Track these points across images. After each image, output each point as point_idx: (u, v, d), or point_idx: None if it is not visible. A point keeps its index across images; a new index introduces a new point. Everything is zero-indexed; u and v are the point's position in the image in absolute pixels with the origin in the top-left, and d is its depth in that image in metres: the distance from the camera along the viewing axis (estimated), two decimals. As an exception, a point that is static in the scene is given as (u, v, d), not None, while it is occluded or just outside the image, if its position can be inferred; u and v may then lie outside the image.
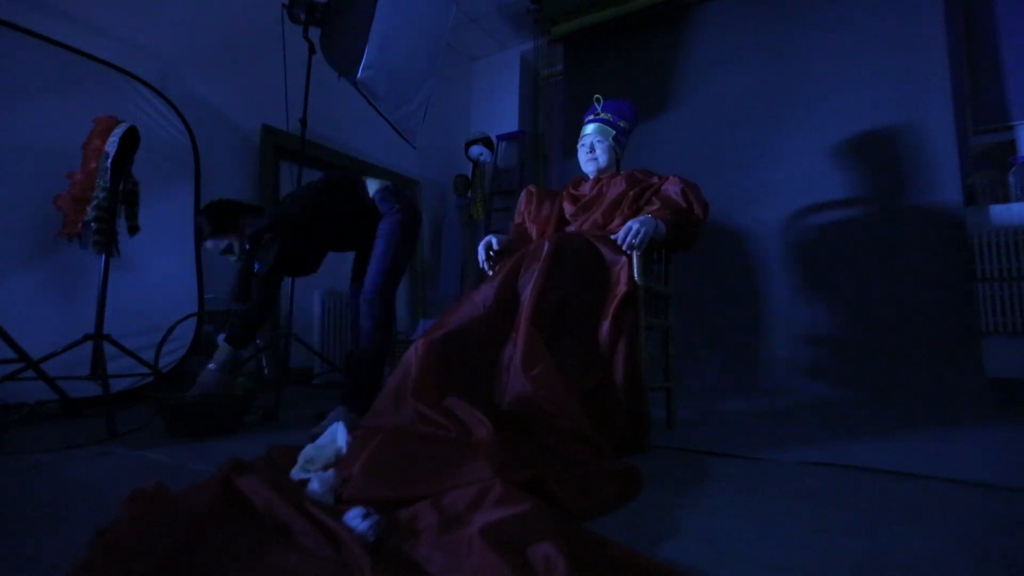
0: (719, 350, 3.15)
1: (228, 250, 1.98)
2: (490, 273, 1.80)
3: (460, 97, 4.83)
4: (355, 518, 0.75)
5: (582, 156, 1.99)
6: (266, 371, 2.93)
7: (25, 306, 2.08)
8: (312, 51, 2.36)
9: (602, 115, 1.96)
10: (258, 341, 2.89)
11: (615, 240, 1.60)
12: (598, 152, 1.94)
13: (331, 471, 0.97)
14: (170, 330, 2.41)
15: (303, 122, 2.34)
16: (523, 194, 2.11)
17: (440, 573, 0.63)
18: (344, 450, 1.09)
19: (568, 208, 1.99)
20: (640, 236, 1.55)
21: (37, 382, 1.84)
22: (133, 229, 2.09)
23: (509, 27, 4.43)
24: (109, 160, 1.93)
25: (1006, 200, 2.68)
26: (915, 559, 0.72)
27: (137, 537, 0.65)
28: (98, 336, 1.92)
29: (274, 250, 1.91)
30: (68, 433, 1.64)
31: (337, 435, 1.13)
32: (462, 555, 0.64)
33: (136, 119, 2.13)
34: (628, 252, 1.56)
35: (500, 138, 4.42)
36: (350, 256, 2.19)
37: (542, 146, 4.57)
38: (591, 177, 2.00)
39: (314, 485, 0.92)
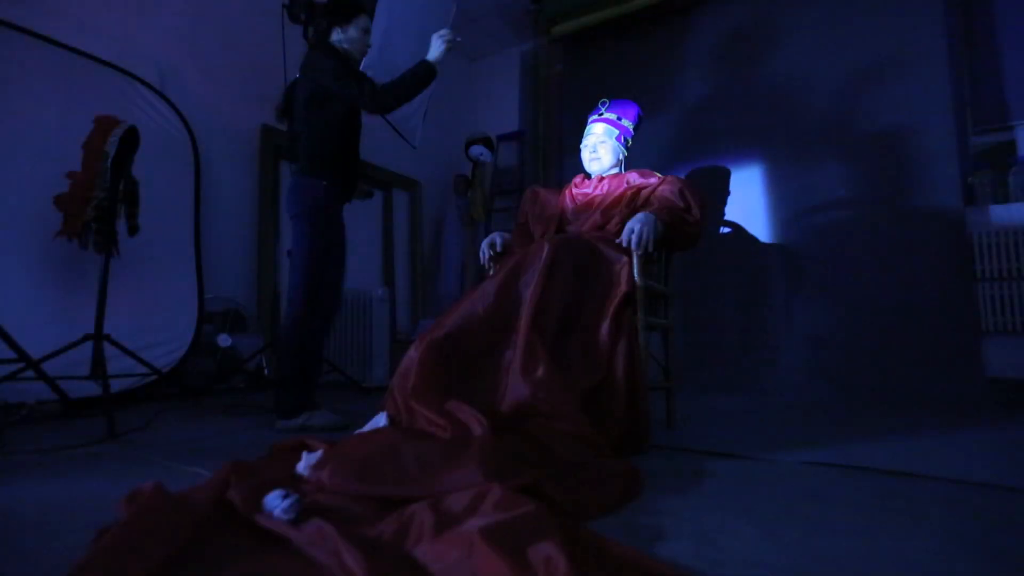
0: (719, 350, 3.14)
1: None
2: (491, 272, 1.81)
3: (460, 97, 4.83)
4: (275, 499, 0.77)
5: (585, 156, 2.00)
6: (266, 371, 2.93)
7: (25, 306, 2.07)
8: (312, 51, 2.36)
9: (606, 115, 1.96)
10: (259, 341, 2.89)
11: (614, 240, 1.60)
12: (601, 152, 1.95)
13: (316, 454, 1.00)
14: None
15: (303, 122, 2.33)
16: (527, 193, 2.11)
17: (440, 573, 0.63)
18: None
19: (570, 206, 1.99)
20: (644, 236, 1.56)
21: (37, 382, 1.84)
22: (133, 229, 2.10)
23: (509, 27, 4.42)
24: (109, 160, 1.94)
25: (1006, 200, 2.67)
26: (915, 559, 0.72)
27: (137, 537, 0.65)
28: (98, 336, 1.92)
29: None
30: (68, 433, 1.63)
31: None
32: (462, 555, 0.63)
33: (136, 119, 2.12)
34: (638, 251, 1.56)
35: (500, 138, 4.42)
36: (351, 255, 2.16)
37: (542, 146, 4.56)
38: (593, 176, 2.01)
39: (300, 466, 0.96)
